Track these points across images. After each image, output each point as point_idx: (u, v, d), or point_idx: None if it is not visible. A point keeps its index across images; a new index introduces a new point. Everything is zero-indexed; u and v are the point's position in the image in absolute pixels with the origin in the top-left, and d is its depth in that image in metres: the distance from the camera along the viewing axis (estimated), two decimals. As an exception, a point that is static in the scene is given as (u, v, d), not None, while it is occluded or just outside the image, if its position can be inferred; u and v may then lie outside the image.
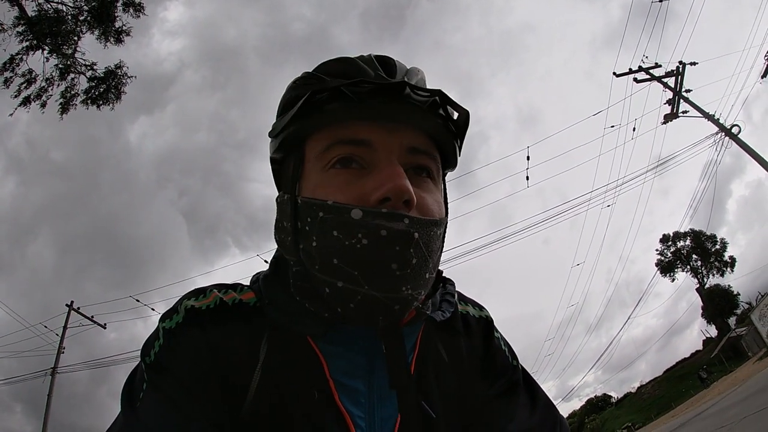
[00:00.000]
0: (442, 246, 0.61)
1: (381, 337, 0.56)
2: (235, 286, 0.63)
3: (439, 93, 0.57)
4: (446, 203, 0.64)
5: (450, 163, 0.64)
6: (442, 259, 0.61)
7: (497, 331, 0.72)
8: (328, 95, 0.55)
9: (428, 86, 0.61)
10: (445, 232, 0.60)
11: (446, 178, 0.67)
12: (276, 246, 0.64)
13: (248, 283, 0.64)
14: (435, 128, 0.58)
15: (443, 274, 0.69)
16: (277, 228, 0.61)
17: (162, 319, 0.58)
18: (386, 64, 0.59)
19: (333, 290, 0.53)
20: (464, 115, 0.60)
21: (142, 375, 0.55)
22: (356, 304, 0.52)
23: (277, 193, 0.64)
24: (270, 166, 0.66)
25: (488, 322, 0.72)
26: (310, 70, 0.60)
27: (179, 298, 0.60)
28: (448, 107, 0.59)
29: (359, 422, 0.53)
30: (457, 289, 0.69)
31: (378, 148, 0.55)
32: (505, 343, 0.73)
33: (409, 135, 0.57)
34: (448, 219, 0.63)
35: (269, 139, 0.64)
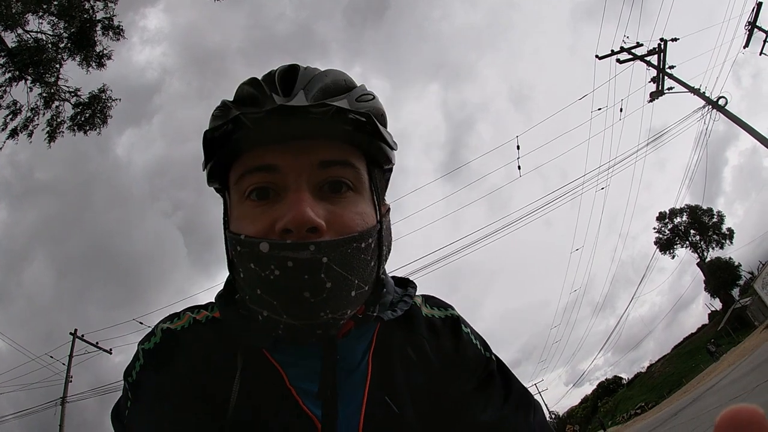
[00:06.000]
0: (378, 252, 0.59)
1: (324, 346, 0.58)
2: (207, 306, 0.67)
3: (337, 104, 0.54)
4: (379, 204, 0.62)
5: (380, 159, 0.62)
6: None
7: (466, 326, 0.73)
8: (232, 125, 0.55)
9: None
10: (378, 237, 0.59)
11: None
12: None
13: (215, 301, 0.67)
14: (345, 135, 0.57)
15: (409, 279, 0.72)
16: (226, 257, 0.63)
17: (141, 343, 0.62)
18: (288, 78, 0.58)
19: (263, 318, 0.56)
20: (366, 117, 0.57)
21: (127, 395, 0.59)
22: (282, 331, 0.55)
23: None
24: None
25: (454, 319, 0.72)
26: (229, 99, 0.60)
27: (156, 323, 0.65)
28: (353, 114, 0.56)
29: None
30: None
31: (286, 172, 0.55)
32: (476, 336, 0.73)
33: (320, 150, 0.56)
34: (384, 218, 0.62)
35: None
